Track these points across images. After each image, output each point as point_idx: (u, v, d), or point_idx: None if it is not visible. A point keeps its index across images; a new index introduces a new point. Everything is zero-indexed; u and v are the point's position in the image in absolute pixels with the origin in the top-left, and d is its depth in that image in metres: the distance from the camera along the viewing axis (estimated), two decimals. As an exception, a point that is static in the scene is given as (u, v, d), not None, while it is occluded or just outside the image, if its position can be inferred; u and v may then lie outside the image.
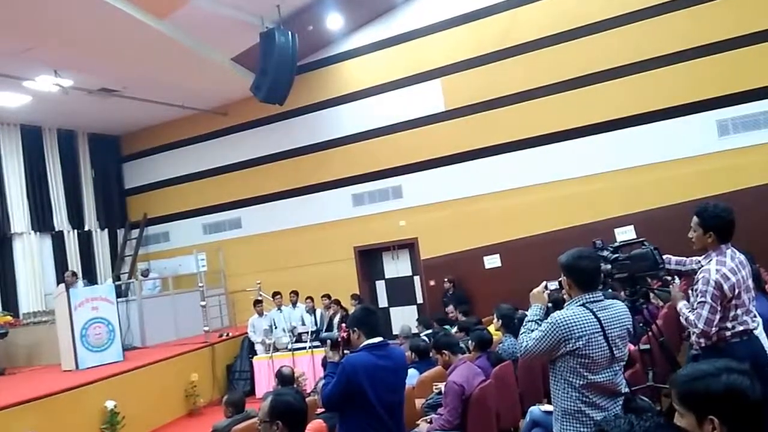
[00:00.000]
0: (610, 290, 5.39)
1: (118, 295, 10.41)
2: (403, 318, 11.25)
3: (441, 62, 10.99)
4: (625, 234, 8.98)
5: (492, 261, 10.51)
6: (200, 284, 10.71)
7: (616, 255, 3.82)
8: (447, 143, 10.92)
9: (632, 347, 4.04)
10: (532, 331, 2.95)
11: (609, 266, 3.76)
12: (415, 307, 11.61)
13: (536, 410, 4.67)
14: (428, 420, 4.74)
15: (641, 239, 3.96)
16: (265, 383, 9.30)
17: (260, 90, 10.11)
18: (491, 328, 6.38)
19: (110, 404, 7.63)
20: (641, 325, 4.09)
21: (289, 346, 9.60)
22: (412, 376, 5.60)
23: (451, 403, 4.44)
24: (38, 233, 12.54)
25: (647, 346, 4.03)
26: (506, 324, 5.89)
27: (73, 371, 8.70)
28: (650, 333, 4.09)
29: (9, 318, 10.68)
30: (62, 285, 9.38)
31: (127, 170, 14.68)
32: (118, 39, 9.35)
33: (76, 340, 8.87)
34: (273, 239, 12.63)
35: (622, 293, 4.22)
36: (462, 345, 5.59)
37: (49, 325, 10.04)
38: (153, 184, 14.25)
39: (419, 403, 5.30)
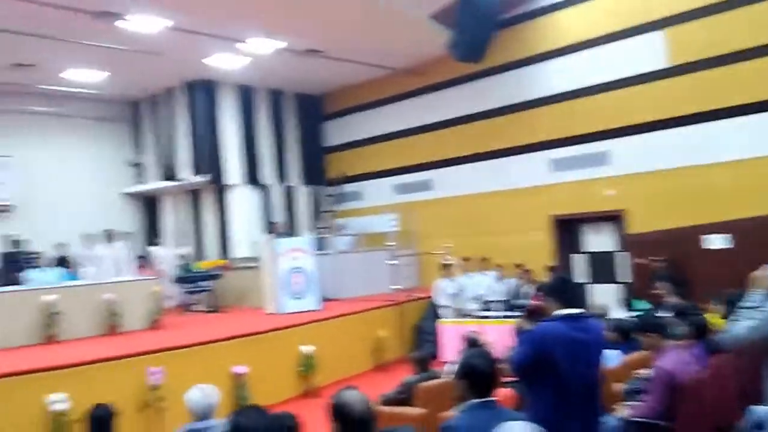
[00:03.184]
0: None
1: (316, 248, 11.25)
2: (603, 296, 10.78)
3: (667, 11, 10.01)
4: None
5: (717, 241, 9.53)
6: (390, 244, 11.17)
7: None
8: (667, 104, 10.00)
9: None
10: (748, 318, 2.67)
11: None
12: (616, 285, 11.05)
13: (762, 410, 4.24)
14: (628, 405, 4.53)
15: None
16: (450, 347, 9.52)
17: (457, 48, 10.08)
18: (711, 316, 5.88)
19: (307, 349, 8.40)
20: None
21: (476, 314, 9.68)
22: (612, 358, 5.39)
23: (658, 390, 4.19)
24: (249, 186, 13.98)
25: None
26: (732, 312, 5.38)
27: (275, 315, 9.69)
28: None
29: (223, 262, 12.16)
30: (269, 234, 10.37)
31: (328, 129, 15.62)
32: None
33: (278, 286, 9.82)
34: (465, 203, 12.71)
35: None
36: (674, 330, 5.23)
37: (255, 270, 11.20)
38: (351, 143, 15.03)
39: (618, 387, 5.10)
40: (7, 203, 12.87)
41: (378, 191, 14.37)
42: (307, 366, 8.37)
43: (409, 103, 13.78)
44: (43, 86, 12.77)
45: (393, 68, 13.21)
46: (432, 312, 10.73)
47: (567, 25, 11.25)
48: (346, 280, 11.71)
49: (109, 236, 12.09)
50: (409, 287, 11.82)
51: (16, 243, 11.49)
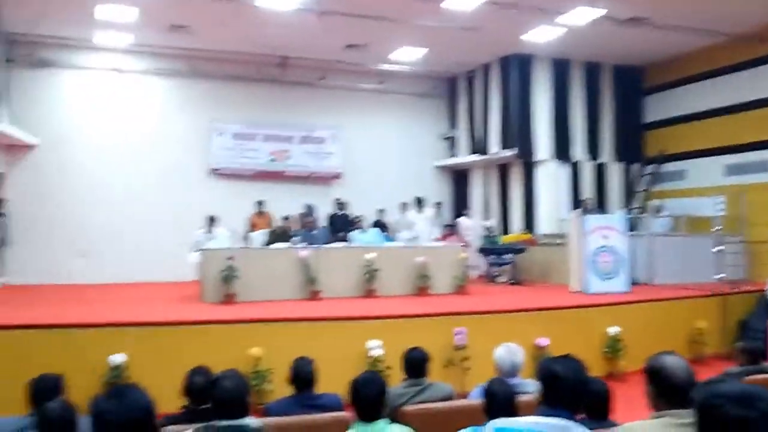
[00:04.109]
0: None
1: (628, 228, 10.84)
2: None
3: None
4: None
5: None
6: (716, 229, 10.29)
7: None
8: None
9: None
10: None
11: None
12: None
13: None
14: None
15: None
16: (785, 350, 8.46)
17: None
18: None
19: (614, 330, 8.23)
20: None
21: (824, 316, 8.46)
22: None
23: None
24: (558, 161, 14.00)
25: None
26: None
27: (581, 293, 9.66)
28: None
29: (528, 236, 12.45)
30: (578, 210, 10.31)
31: (649, 103, 14.78)
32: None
33: (585, 264, 9.74)
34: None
35: None
36: None
37: (560, 247, 11.26)
38: (674, 118, 14.05)
39: None
40: (337, 171, 14.82)
41: (703, 171, 13.24)
42: (613, 348, 8.23)
43: (746, 73, 12.39)
44: (371, 65, 14.36)
45: (728, 35, 11.94)
46: (763, 308, 9.65)
47: None
48: (660, 264, 11.09)
49: (421, 204, 13.20)
50: (735, 278, 10.75)
51: (341, 206, 13.19)
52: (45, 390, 3.65)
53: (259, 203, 12.58)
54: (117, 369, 6.42)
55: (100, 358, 6.44)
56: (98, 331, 6.78)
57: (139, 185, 13.23)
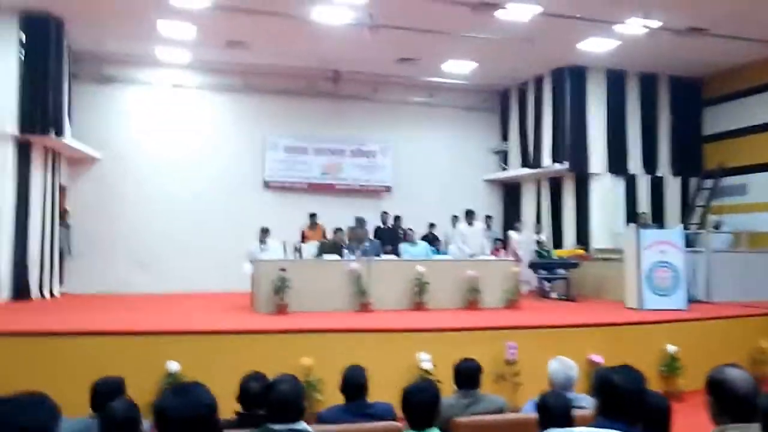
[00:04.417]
0: None
1: (686, 244, 10.59)
2: None
3: None
4: None
5: None
6: (780, 245, 9.97)
7: None
8: None
9: None
10: None
11: None
12: None
13: None
14: None
15: None
16: None
17: None
18: None
19: (671, 348, 8.04)
20: None
21: None
22: None
23: None
24: (613, 175, 13.79)
25: None
26: None
27: (636, 310, 9.48)
28: None
29: (581, 251, 12.24)
30: (633, 225, 10.11)
31: (708, 115, 14.44)
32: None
33: (641, 280, 9.55)
34: None
35: None
36: None
37: (614, 262, 11.06)
38: (734, 130, 13.68)
39: None
40: (388, 184, 14.92)
41: (765, 186, 12.83)
42: (671, 367, 8.00)
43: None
44: (423, 78, 14.45)
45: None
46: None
47: None
48: (719, 281, 10.79)
49: (471, 217, 13.13)
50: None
51: (396, 219, 13.21)
52: (108, 392, 3.75)
53: (312, 216, 12.72)
54: (172, 376, 6.56)
55: (155, 365, 6.59)
56: (154, 339, 6.93)
57: (196, 197, 13.58)
